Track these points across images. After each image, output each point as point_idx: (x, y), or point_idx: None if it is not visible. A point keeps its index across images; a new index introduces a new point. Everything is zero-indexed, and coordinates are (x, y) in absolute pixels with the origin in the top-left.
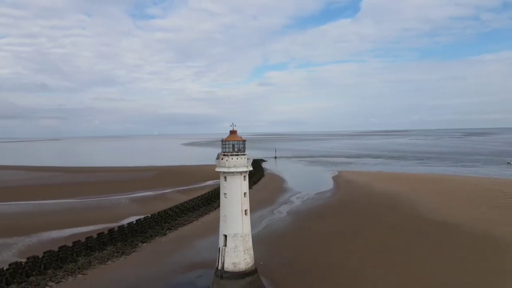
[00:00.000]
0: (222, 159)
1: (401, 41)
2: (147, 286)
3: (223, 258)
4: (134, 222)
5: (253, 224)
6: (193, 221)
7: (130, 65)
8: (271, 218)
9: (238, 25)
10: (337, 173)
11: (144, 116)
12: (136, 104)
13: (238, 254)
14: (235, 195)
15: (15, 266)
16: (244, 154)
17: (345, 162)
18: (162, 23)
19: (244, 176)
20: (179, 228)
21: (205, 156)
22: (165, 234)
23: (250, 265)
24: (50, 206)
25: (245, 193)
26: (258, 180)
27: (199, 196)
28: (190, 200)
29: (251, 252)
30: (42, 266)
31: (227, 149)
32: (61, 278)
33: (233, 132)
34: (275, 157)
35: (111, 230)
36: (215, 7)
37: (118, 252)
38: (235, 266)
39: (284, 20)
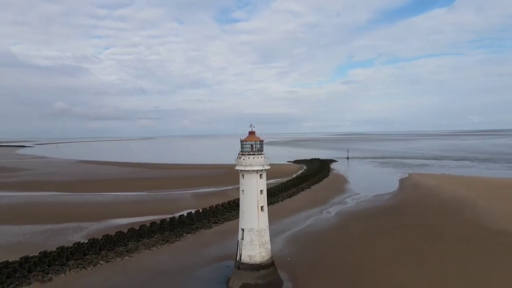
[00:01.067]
0: (240, 158)
1: (509, 29)
2: (179, 271)
3: (241, 250)
4: (185, 214)
5: (296, 223)
6: (238, 217)
7: (216, 67)
8: (317, 217)
9: (322, 23)
10: (407, 175)
11: (229, 116)
12: (222, 105)
13: (253, 248)
14: (252, 192)
15: (77, 246)
16: (261, 154)
17: (422, 164)
18: (246, 26)
19: (261, 175)
20: (225, 222)
21: (276, 155)
22: (210, 227)
23: (265, 259)
24: (123, 197)
25: (261, 191)
26: (320, 180)
27: None
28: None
29: (268, 246)
30: (98, 247)
31: (245, 149)
32: (110, 258)
33: (251, 133)
34: (347, 158)
35: (163, 221)
36: (298, 7)
37: (163, 240)
38: (250, 259)
39: (370, 14)
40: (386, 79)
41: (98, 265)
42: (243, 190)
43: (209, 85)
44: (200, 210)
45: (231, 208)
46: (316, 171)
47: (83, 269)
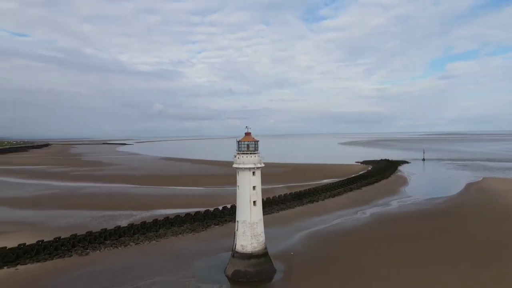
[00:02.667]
0: (236, 156)
1: None
2: (192, 255)
3: (235, 240)
4: (220, 208)
5: (324, 221)
6: (273, 213)
7: (302, 67)
8: (348, 218)
9: (415, 14)
10: (480, 179)
11: (314, 115)
12: (307, 104)
13: (245, 238)
14: (245, 188)
15: (116, 229)
16: (255, 153)
17: (507, 168)
18: (333, 23)
19: (254, 172)
20: None
21: (347, 156)
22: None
23: (257, 249)
24: (179, 191)
25: (254, 187)
26: (376, 182)
27: (293, 192)
28: (281, 195)
29: (260, 238)
30: (132, 231)
31: (242, 149)
32: (140, 241)
33: (247, 134)
34: (423, 159)
35: (197, 213)
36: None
37: (191, 229)
38: (242, 248)
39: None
40: (492, 71)
41: (128, 246)
42: (238, 186)
43: (294, 85)
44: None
45: (265, 205)
46: (378, 172)
47: (115, 248)
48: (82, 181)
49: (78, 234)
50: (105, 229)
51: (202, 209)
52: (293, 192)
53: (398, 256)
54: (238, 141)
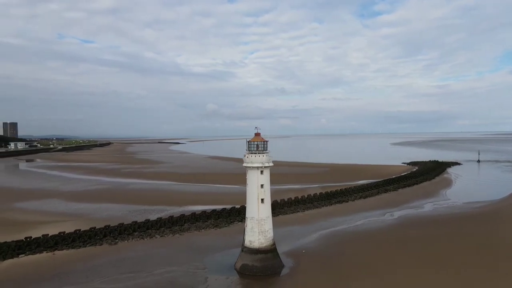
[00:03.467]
0: (245, 156)
1: None
2: (209, 249)
3: (244, 235)
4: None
5: (347, 222)
6: (298, 212)
7: (355, 64)
8: (374, 219)
9: (483, 4)
10: None
11: (368, 115)
12: (361, 103)
13: (253, 234)
14: (253, 186)
15: (145, 221)
16: (264, 153)
17: None
18: (389, 18)
19: (262, 171)
20: (279, 215)
21: (396, 156)
22: None
23: (264, 245)
24: (215, 189)
25: (262, 185)
26: (417, 183)
27: (323, 193)
28: (310, 195)
29: (267, 234)
30: (159, 224)
31: (252, 148)
32: (165, 234)
33: (257, 135)
34: (478, 161)
35: (223, 209)
36: None
37: (214, 225)
38: (250, 243)
39: None
40: None
41: (154, 237)
42: (247, 184)
43: (347, 83)
44: None
45: (291, 204)
46: (421, 173)
47: (142, 239)
48: (131, 177)
49: (111, 225)
50: (136, 222)
51: (229, 206)
52: (323, 192)
53: (410, 258)
54: (248, 142)
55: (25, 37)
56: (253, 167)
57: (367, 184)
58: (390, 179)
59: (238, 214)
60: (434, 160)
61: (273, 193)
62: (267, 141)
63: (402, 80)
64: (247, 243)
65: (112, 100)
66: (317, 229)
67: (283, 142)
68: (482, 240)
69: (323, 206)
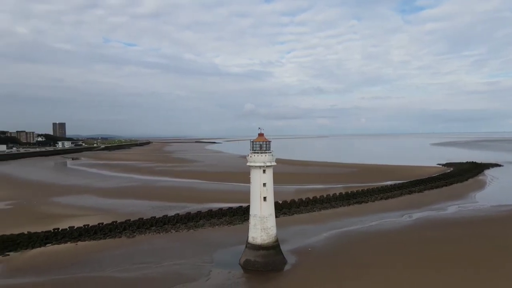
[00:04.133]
0: (248, 155)
1: None
2: (220, 245)
3: (249, 232)
4: None
5: (362, 222)
6: (314, 211)
7: (396, 62)
8: (390, 220)
9: None
10: None
11: (410, 114)
12: (402, 101)
13: (256, 231)
14: (256, 184)
15: (163, 217)
16: (267, 152)
17: None
18: (433, 13)
19: (264, 170)
20: (294, 214)
21: (433, 157)
22: (277, 217)
23: (266, 242)
24: (237, 188)
25: (264, 184)
26: (447, 185)
27: (343, 193)
28: (329, 195)
29: (270, 231)
30: (175, 220)
31: (255, 148)
32: (180, 229)
33: (260, 135)
34: None
35: (239, 207)
36: None
37: (228, 222)
38: (253, 240)
39: None
40: None
41: (169, 232)
42: (251, 182)
43: (388, 81)
44: (280, 202)
45: (308, 203)
46: (454, 175)
47: (158, 233)
48: (161, 175)
49: (131, 220)
50: (154, 217)
51: (246, 204)
52: (343, 193)
53: (418, 259)
54: (252, 141)
55: (74, 42)
56: (255, 166)
57: (390, 185)
58: (418, 180)
59: None
60: (472, 162)
61: (293, 192)
62: (270, 141)
63: (446, 77)
64: (250, 239)
65: (152, 101)
66: (329, 228)
67: (319, 142)
68: (500, 242)
69: (340, 206)
